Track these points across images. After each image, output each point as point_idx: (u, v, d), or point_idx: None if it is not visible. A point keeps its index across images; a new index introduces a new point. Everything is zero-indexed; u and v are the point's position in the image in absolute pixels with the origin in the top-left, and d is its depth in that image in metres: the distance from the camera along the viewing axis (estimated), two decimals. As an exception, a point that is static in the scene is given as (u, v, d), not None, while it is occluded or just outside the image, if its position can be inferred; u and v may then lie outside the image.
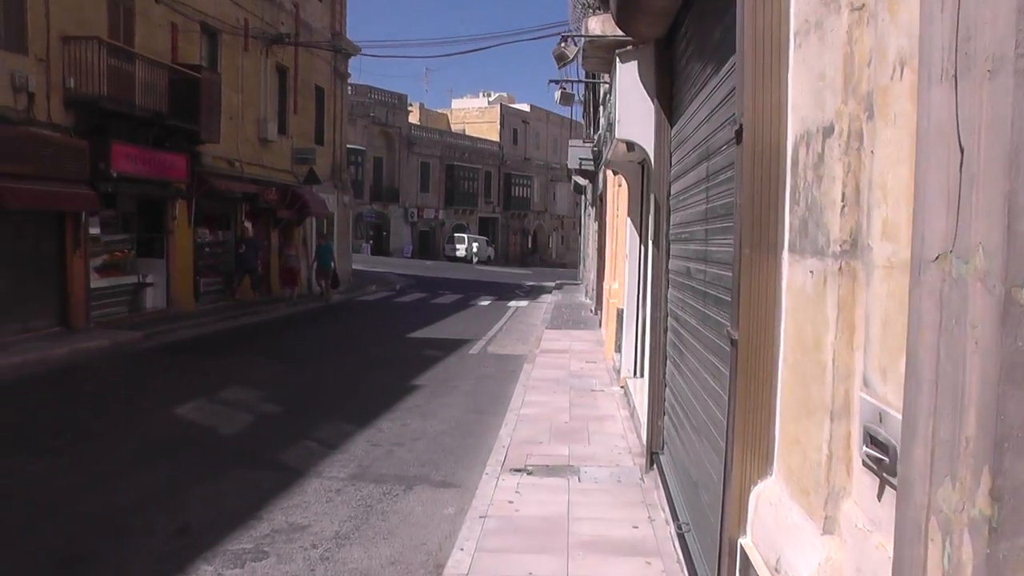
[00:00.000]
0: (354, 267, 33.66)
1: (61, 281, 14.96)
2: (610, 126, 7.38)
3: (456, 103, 67.95)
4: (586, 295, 26.07)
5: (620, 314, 11.16)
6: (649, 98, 6.19)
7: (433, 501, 6.27)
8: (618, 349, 11.23)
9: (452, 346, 14.49)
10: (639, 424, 7.63)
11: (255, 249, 20.86)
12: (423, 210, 56.94)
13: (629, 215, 9.48)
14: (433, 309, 22.17)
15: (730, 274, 3.38)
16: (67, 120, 14.74)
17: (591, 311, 20.26)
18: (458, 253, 54.38)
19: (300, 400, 9.74)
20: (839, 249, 2.22)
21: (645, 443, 6.75)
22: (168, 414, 8.86)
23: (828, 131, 2.31)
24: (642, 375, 9.54)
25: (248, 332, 16.58)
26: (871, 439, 1.95)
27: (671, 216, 5.99)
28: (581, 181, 26.50)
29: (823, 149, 2.34)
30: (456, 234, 56.87)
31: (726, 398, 3.32)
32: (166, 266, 18.43)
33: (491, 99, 67.78)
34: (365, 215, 52.66)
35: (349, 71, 29.37)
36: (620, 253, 12.06)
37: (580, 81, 18.60)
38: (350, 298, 24.80)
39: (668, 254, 6.07)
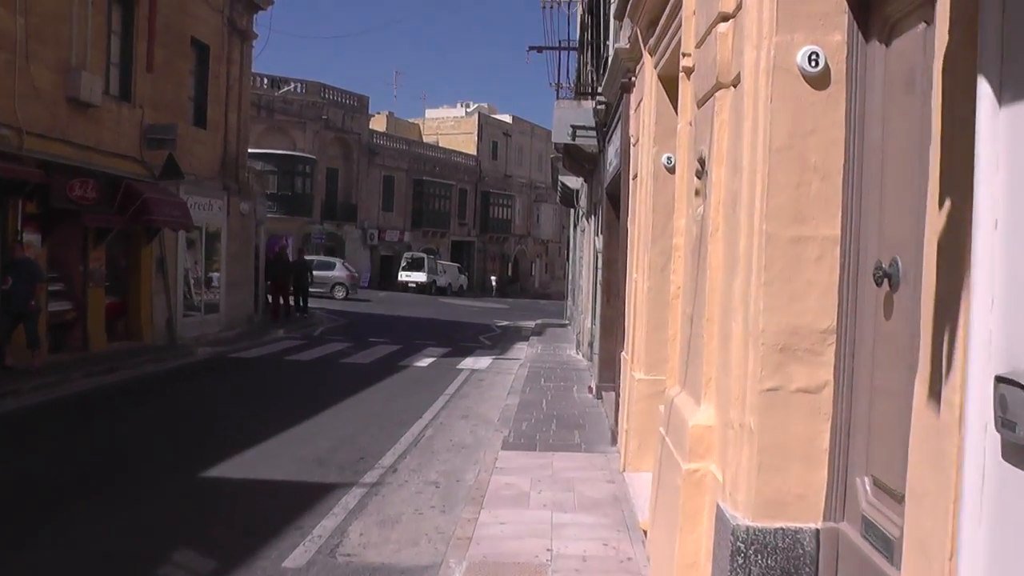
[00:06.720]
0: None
1: None
2: None
3: (430, 112, 59.95)
4: (578, 348, 17.74)
5: (731, 536, 2.90)
6: None
7: None
8: None
9: (281, 518, 6.11)
10: None
11: (32, 280, 12.35)
12: (385, 231, 48.41)
13: None
14: (337, 377, 13.79)
15: None
16: None
17: (590, 391, 11.88)
18: (411, 283, 45.04)
19: None
20: None
21: None
22: None
23: None
24: None
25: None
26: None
27: None
28: (571, 183, 18.26)
29: None
30: (410, 255, 47.04)
31: None
32: None
33: (469, 109, 59.76)
34: (314, 236, 44.15)
35: (256, 29, 21.18)
36: (713, 297, 3.79)
37: None
38: (222, 352, 16.30)
39: None
